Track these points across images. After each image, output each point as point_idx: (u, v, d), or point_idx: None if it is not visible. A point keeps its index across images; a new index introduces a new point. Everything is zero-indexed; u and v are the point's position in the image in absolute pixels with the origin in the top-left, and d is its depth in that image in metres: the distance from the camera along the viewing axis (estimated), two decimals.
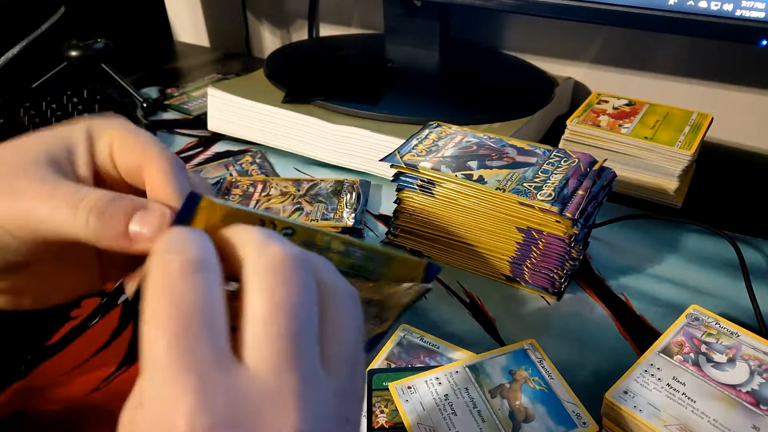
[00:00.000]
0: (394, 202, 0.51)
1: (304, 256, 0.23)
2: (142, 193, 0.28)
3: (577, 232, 0.43)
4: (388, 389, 0.37)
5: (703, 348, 0.37)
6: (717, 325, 0.38)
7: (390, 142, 0.58)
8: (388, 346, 0.41)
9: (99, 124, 0.29)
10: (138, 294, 0.27)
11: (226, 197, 0.56)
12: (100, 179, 0.29)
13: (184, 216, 0.25)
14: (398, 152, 0.50)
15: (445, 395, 0.37)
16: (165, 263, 0.21)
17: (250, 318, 0.21)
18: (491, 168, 0.47)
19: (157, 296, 0.21)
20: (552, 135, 0.68)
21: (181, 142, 0.70)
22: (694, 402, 0.33)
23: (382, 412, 0.37)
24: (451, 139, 0.51)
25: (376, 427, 0.36)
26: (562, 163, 0.47)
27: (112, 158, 0.28)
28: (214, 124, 0.70)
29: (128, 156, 0.28)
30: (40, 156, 0.27)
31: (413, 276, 0.28)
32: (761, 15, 0.51)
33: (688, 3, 0.53)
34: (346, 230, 0.53)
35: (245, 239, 0.23)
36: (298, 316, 0.21)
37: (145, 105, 0.76)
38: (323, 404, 0.21)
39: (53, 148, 0.28)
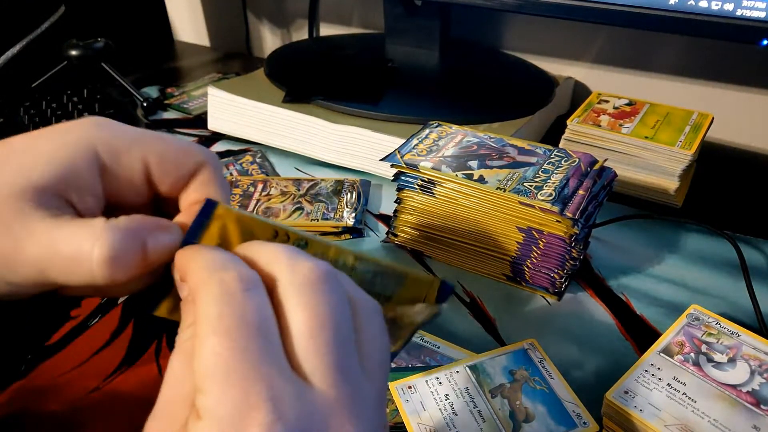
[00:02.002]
0: (395, 201, 0.51)
1: (334, 272, 0.23)
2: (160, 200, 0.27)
3: (577, 231, 0.43)
4: (388, 389, 0.37)
5: (704, 348, 0.37)
6: (717, 325, 0.38)
7: (390, 142, 0.58)
8: None
9: (121, 143, 0.26)
10: (139, 294, 0.27)
11: None
12: (115, 195, 0.26)
13: (199, 222, 0.24)
14: (398, 152, 0.50)
15: (446, 395, 0.37)
16: (222, 280, 0.22)
17: (296, 332, 0.21)
18: (492, 168, 0.47)
19: (219, 311, 0.21)
20: (552, 135, 0.68)
21: None
22: (695, 402, 0.33)
23: None
24: (451, 138, 0.51)
25: None
26: (562, 162, 0.47)
27: (147, 176, 0.26)
28: (214, 124, 0.69)
29: (177, 172, 0.26)
30: (34, 190, 0.24)
31: (426, 294, 0.27)
32: (761, 15, 0.51)
33: (689, 3, 0.53)
34: (346, 230, 0.53)
35: (274, 256, 0.23)
36: (340, 329, 0.22)
37: (145, 104, 0.76)
38: (369, 412, 0.22)
39: (53, 177, 0.24)
